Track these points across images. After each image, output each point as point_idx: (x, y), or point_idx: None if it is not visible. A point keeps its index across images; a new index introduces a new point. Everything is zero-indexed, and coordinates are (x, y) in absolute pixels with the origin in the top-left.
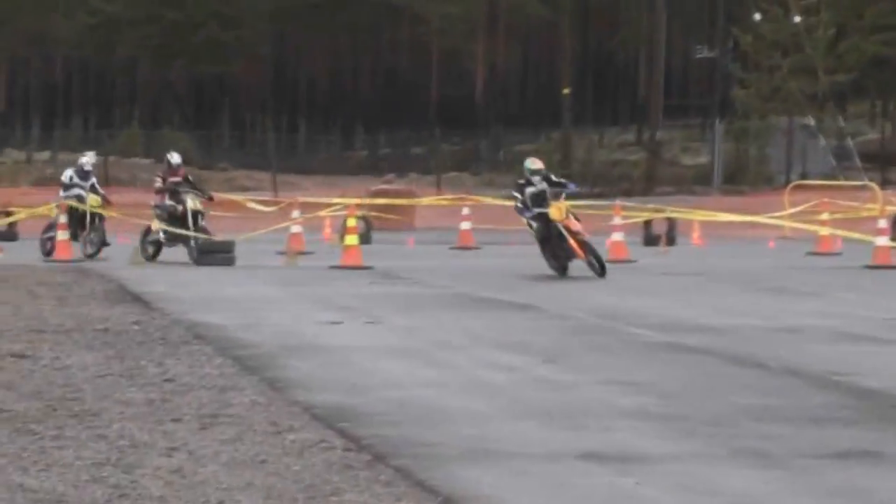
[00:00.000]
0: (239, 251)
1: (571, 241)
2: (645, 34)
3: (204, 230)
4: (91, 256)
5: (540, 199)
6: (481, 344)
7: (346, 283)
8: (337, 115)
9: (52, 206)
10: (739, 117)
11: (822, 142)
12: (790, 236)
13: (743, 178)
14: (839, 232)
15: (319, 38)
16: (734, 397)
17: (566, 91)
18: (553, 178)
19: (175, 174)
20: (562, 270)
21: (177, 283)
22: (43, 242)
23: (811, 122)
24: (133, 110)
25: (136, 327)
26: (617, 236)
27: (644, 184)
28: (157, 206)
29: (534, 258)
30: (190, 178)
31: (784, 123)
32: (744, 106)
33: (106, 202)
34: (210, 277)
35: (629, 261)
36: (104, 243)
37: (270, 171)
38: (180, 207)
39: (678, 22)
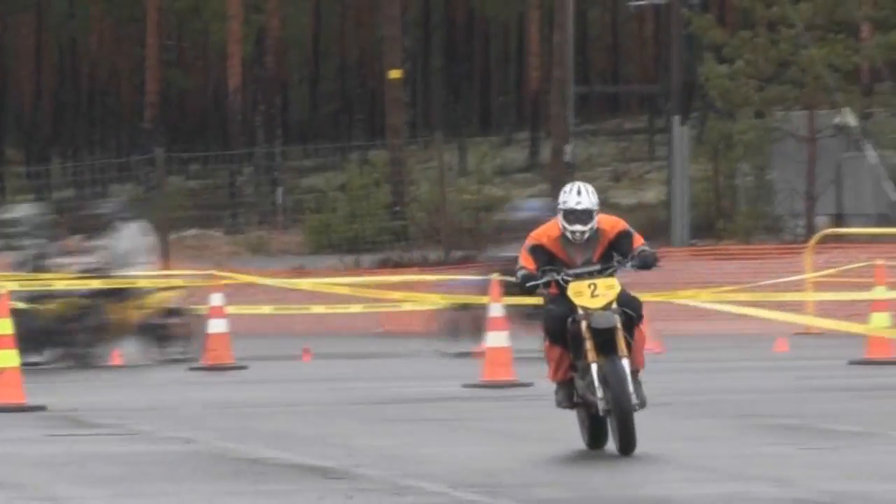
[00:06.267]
0: None
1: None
2: None
3: None
4: None
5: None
6: None
7: None
8: None
9: None
10: (716, 116)
11: (872, 155)
12: (815, 331)
13: (727, 225)
14: None
15: None
16: None
17: (395, 74)
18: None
19: None
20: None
21: None
22: None
23: (850, 120)
24: None
25: None
26: (496, 337)
27: None
28: None
29: (348, 382)
30: None
31: (800, 124)
32: (724, 95)
33: None
34: None
35: (514, 383)
36: None
37: None
38: None
39: None
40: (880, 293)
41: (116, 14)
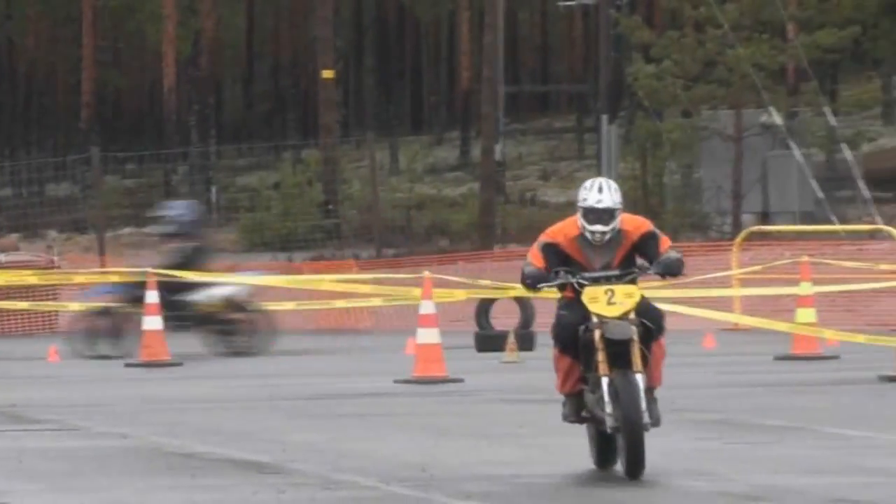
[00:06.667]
0: None
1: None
2: None
3: None
4: None
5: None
6: None
7: None
8: None
9: None
10: (643, 115)
11: (797, 154)
12: (742, 327)
13: (655, 223)
14: (829, 333)
15: None
16: None
17: (328, 74)
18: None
19: None
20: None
21: None
22: None
23: (776, 118)
24: None
25: None
26: (426, 334)
27: (478, 239)
28: None
29: (283, 379)
30: None
31: (726, 123)
32: (651, 94)
33: None
34: None
35: (446, 379)
36: None
37: None
38: None
39: None
40: (805, 289)
41: (52, 15)
